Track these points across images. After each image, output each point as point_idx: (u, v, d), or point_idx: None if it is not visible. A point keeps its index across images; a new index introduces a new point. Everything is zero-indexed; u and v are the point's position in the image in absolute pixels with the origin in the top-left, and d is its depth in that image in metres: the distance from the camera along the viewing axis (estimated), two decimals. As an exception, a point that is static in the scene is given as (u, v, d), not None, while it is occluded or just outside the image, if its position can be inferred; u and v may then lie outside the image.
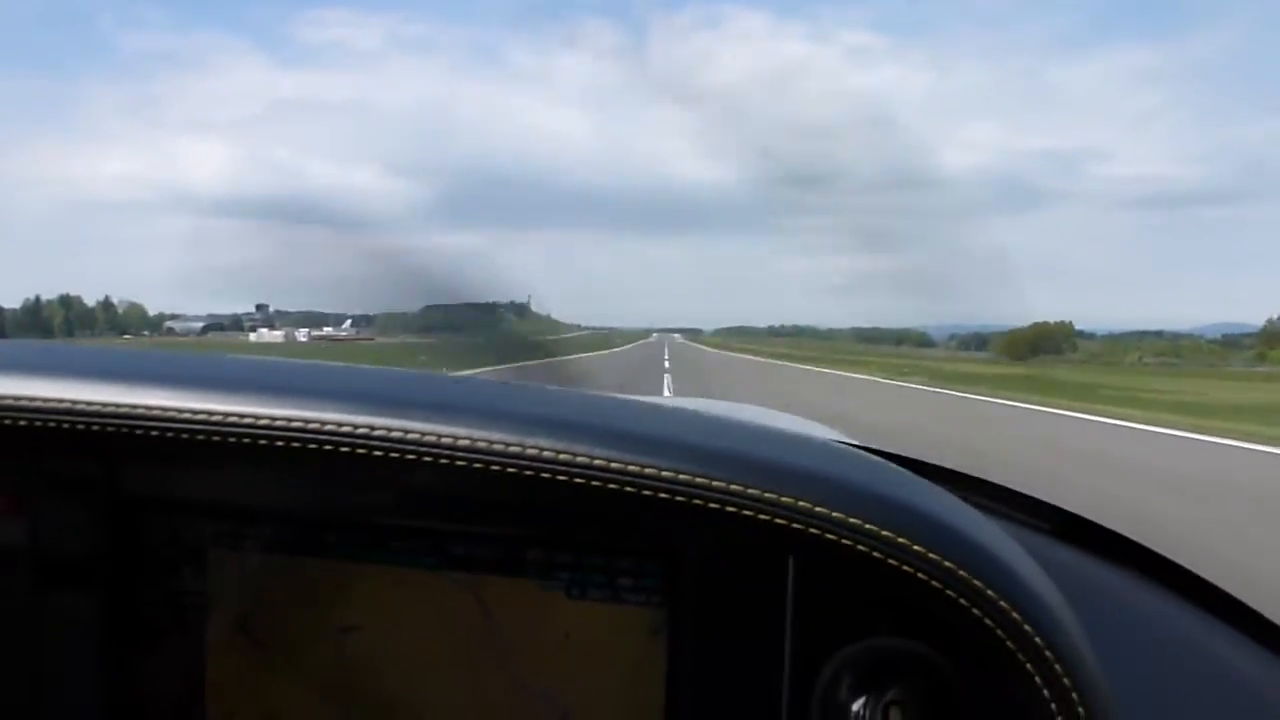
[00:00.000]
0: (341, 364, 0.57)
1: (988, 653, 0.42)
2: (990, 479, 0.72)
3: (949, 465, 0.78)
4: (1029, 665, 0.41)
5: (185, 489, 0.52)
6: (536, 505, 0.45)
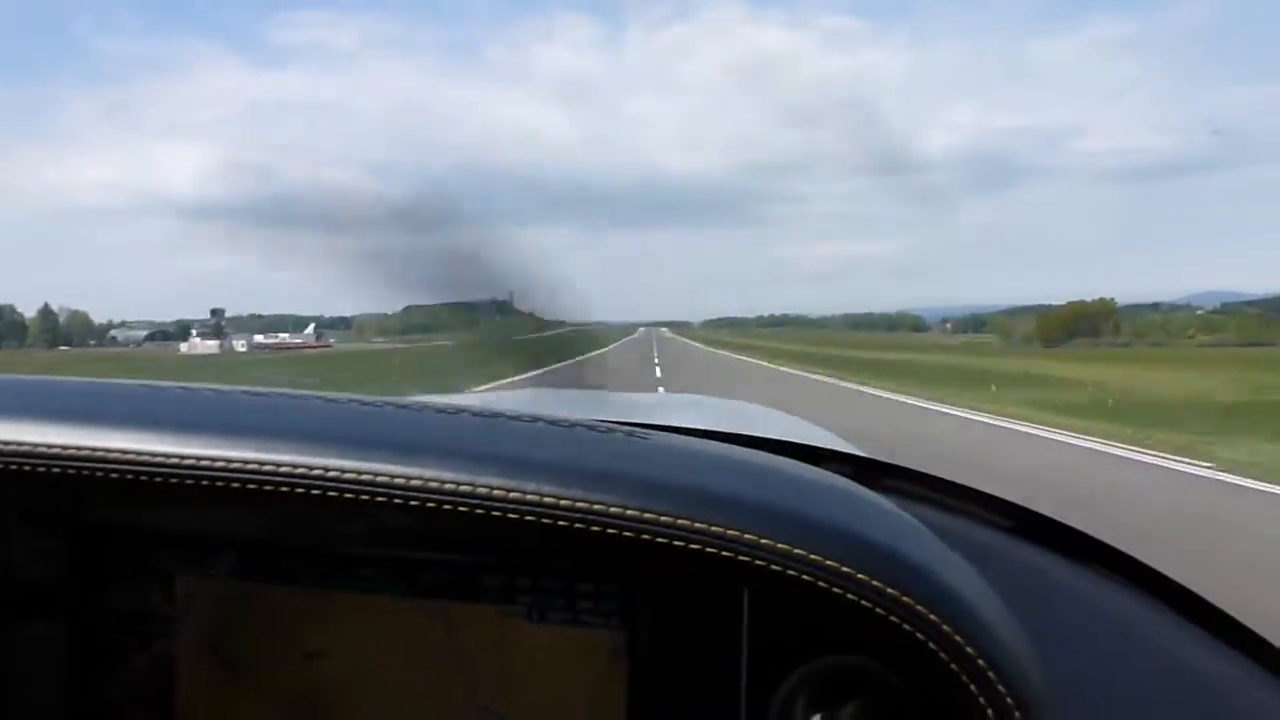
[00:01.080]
0: (301, 395, 0.59)
1: (926, 664, 0.45)
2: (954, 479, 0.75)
3: (911, 465, 0.82)
4: (961, 673, 0.44)
5: (151, 519, 0.54)
6: (494, 537, 0.47)
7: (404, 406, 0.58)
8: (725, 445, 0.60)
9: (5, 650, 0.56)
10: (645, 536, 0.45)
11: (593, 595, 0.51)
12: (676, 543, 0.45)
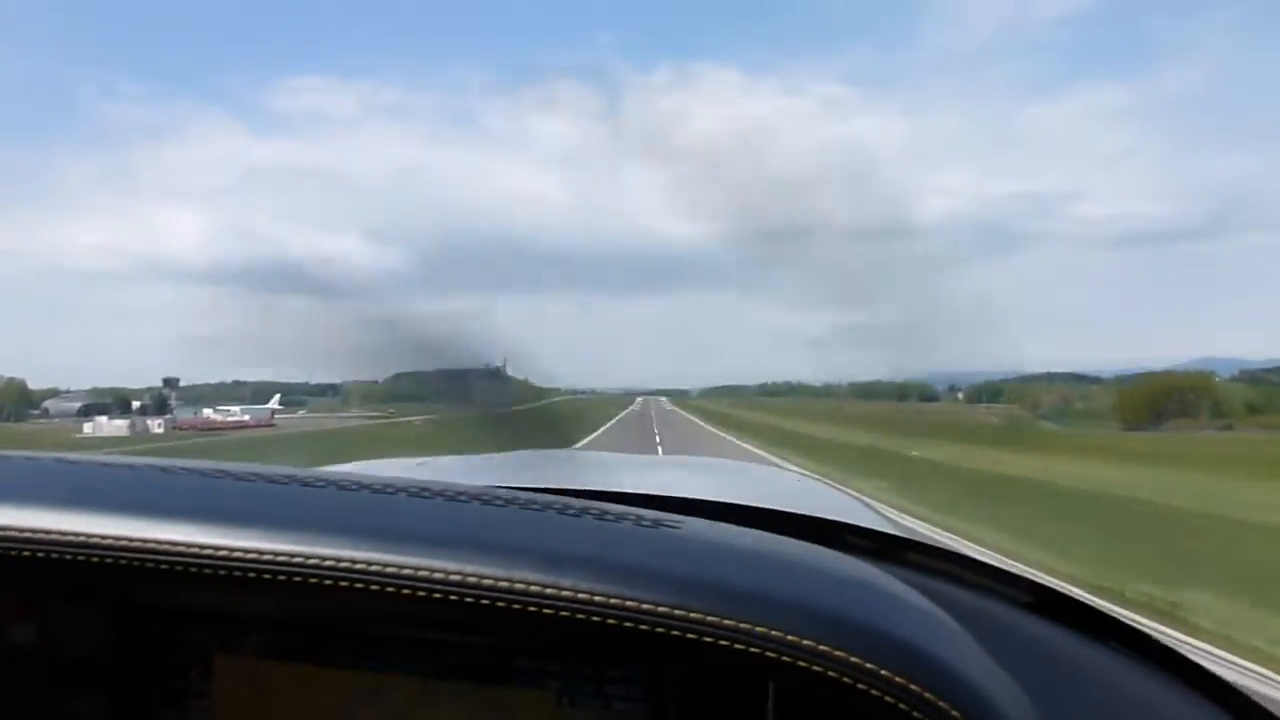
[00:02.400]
0: (342, 484, 0.63)
1: None
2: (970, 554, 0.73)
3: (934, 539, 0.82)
4: None
5: (192, 600, 0.57)
6: (528, 626, 0.50)
7: (443, 495, 0.61)
8: (752, 533, 0.62)
9: None
10: (675, 632, 0.48)
11: (622, 681, 0.53)
12: (705, 638, 0.48)
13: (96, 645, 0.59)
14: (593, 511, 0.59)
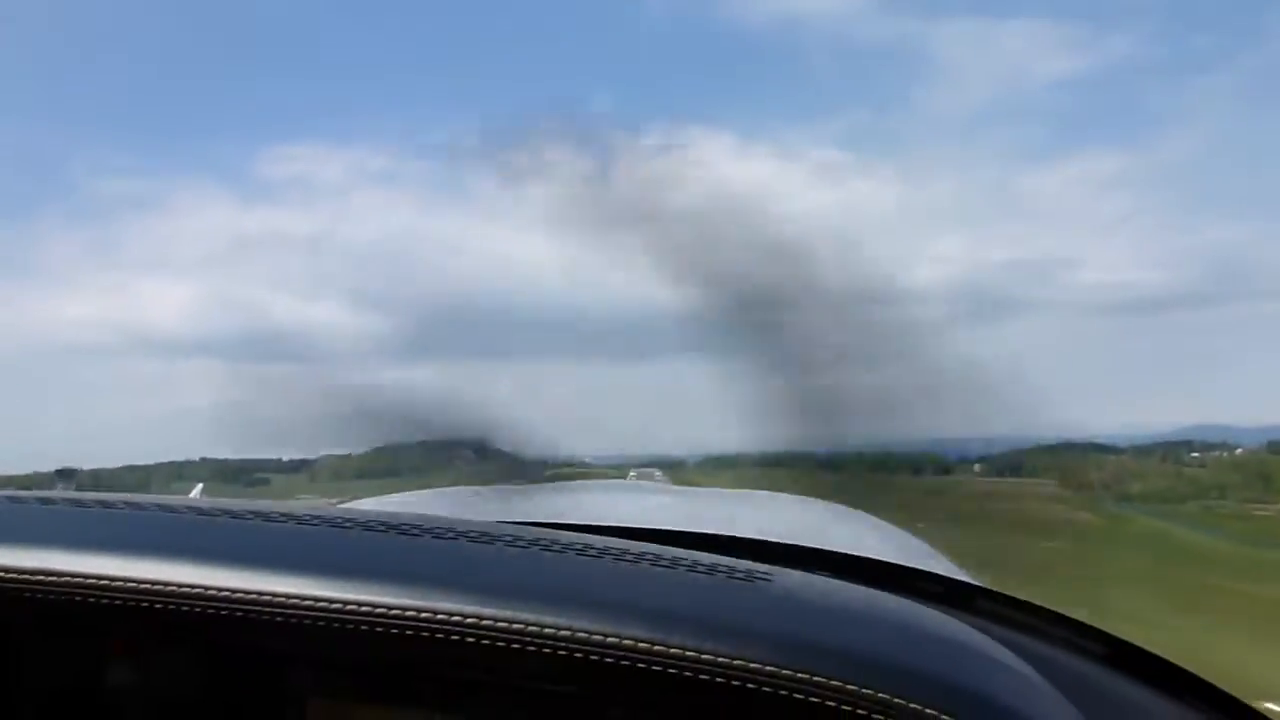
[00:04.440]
0: (438, 533, 0.66)
1: None
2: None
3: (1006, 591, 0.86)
4: None
5: (284, 643, 0.60)
6: (633, 682, 0.52)
7: (537, 544, 0.64)
8: (843, 587, 0.65)
9: None
10: (781, 692, 0.50)
11: None
12: (810, 698, 0.50)
13: (187, 682, 0.63)
14: (684, 563, 0.63)
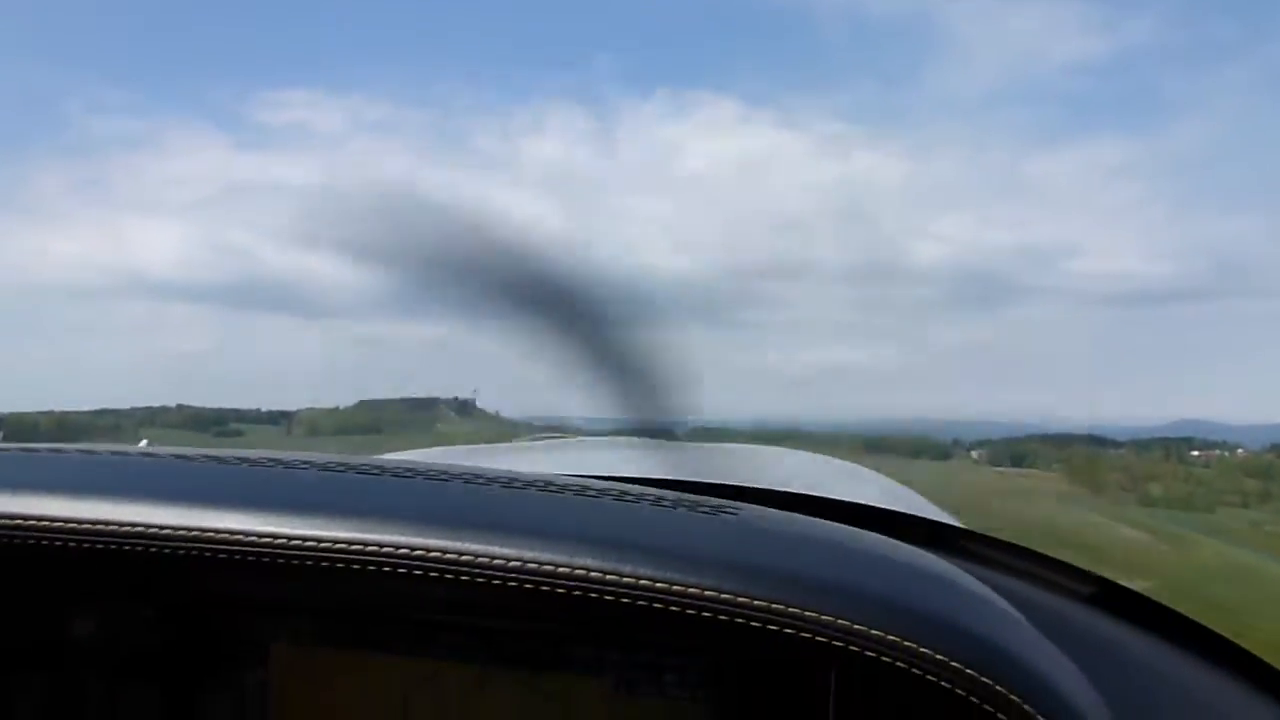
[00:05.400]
0: (404, 472, 0.67)
1: None
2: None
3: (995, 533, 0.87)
4: None
5: (248, 589, 0.60)
6: (586, 612, 0.53)
7: (499, 482, 0.65)
8: (814, 521, 0.66)
9: (109, 716, 0.64)
10: (738, 620, 0.51)
11: (680, 669, 0.56)
12: (769, 625, 0.51)
13: (153, 636, 0.63)
14: (649, 498, 0.63)
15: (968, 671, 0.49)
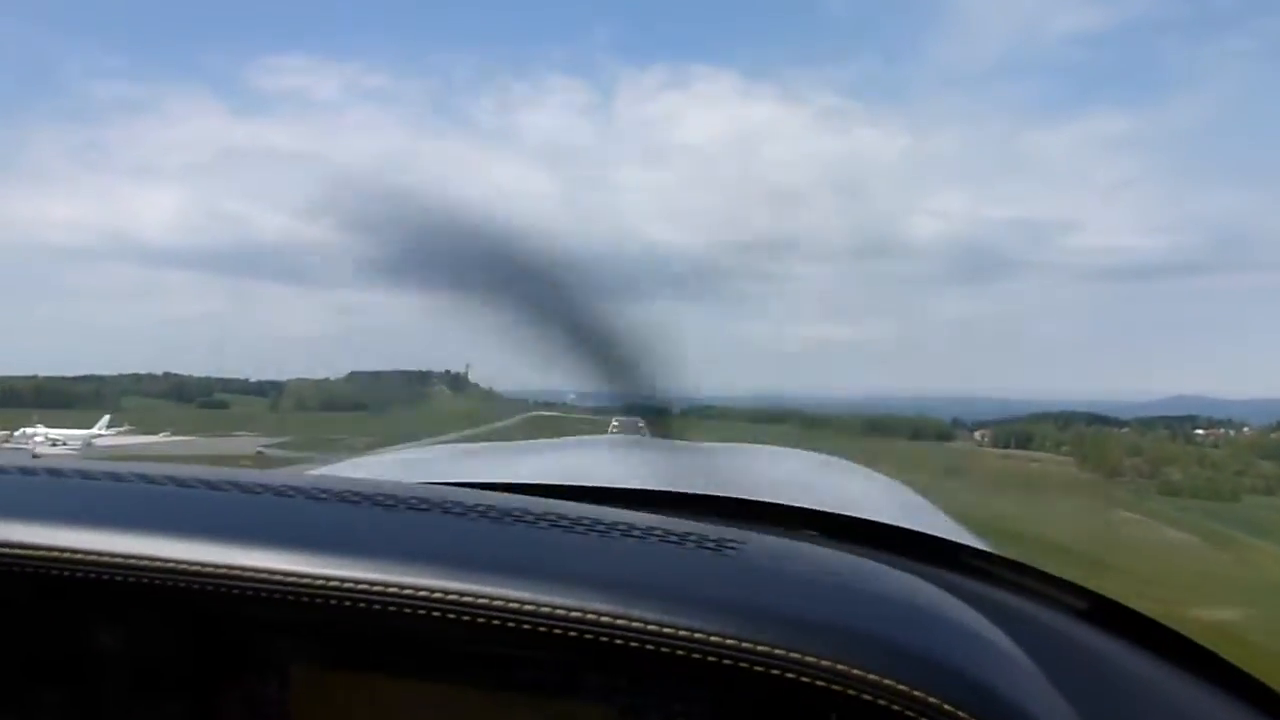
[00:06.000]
0: (428, 508, 0.70)
1: None
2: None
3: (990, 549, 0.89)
4: None
5: (270, 611, 0.62)
6: (595, 653, 0.56)
7: (510, 516, 0.68)
8: (816, 552, 0.69)
9: None
10: (741, 664, 0.53)
11: (685, 701, 0.59)
12: (770, 670, 0.53)
13: (173, 649, 0.66)
14: (657, 533, 0.66)
15: (959, 714, 0.51)
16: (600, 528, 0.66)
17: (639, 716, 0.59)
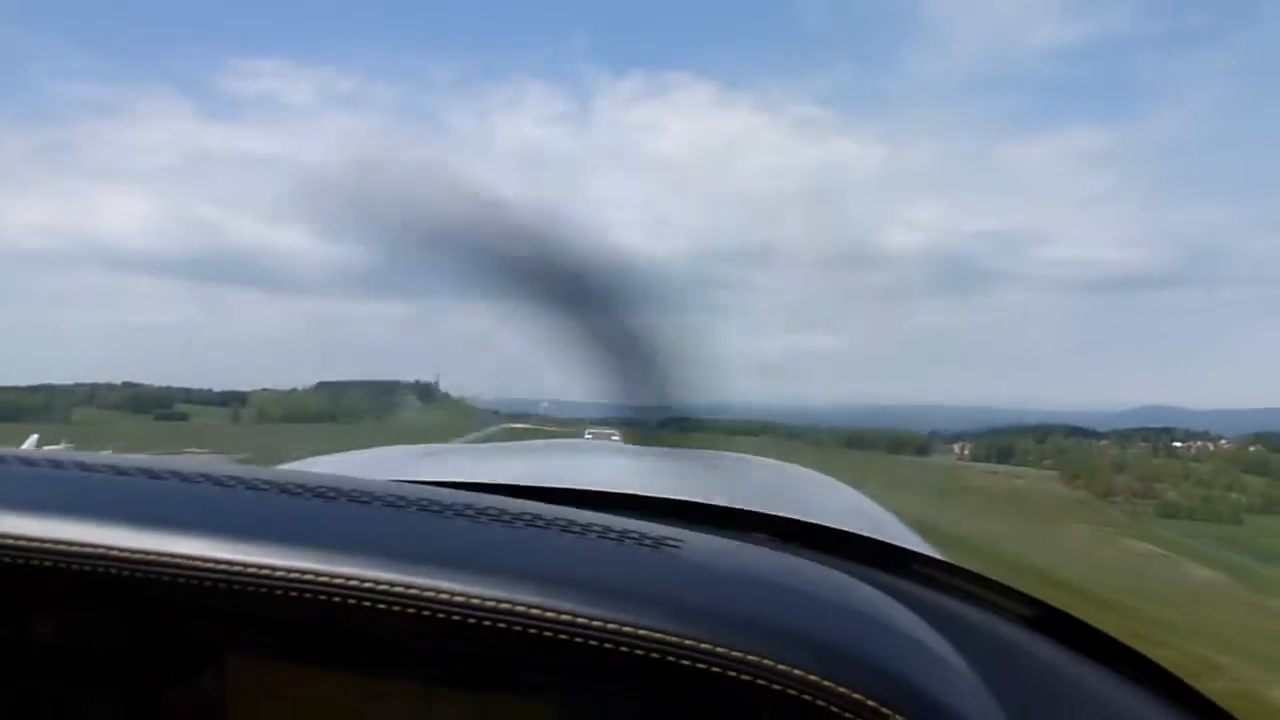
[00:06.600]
0: (360, 496, 0.71)
1: None
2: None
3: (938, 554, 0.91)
4: None
5: (208, 600, 0.62)
6: (527, 646, 0.56)
7: (453, 510, 0.69)
8: (758, 552, 0.70)
9: None
10: (670, 658, 0.54)
11: (620, 698, 0.60)
12: (700, 664, 0.53)
13: (109, 640, 0.66)
14: (596, 529, 0.67)
15: (883, 710, 0.52)
16: (540, 523, 0.67)
17: (572, 711, 0.60)
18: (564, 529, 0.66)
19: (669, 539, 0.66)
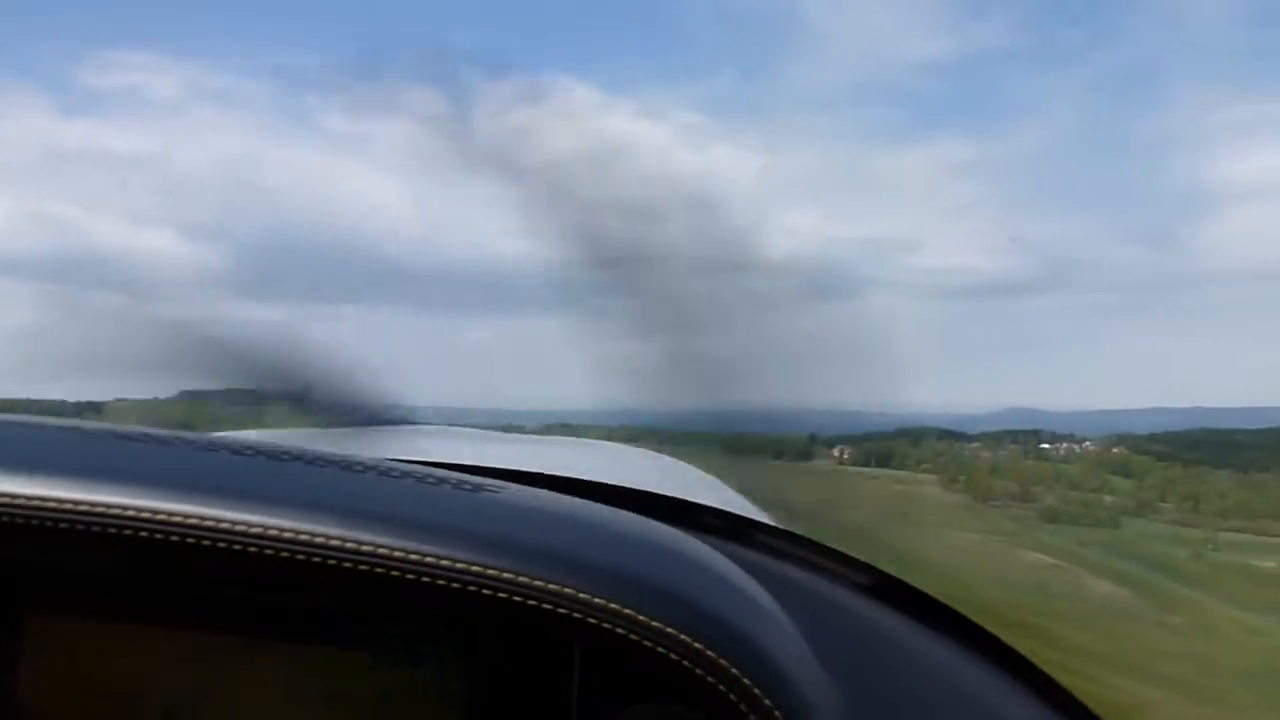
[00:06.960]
0: (168, 439, 0.68)
1: (734, 716, 0.57)
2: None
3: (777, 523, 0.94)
4: None
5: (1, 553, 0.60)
6: (334, 582, 0.57)
7: (266, 455, 0.67)
8: (577, 502, 0.71)
9: None
10: (484, 591, 0.55)
11: (433, 639, 0.61)
12: (513, 596, 0.55)
13: None
14: (416, 474, 0.67)
15: (698, 648, 0.56)
16: (358, 467, 0.67)
17: (390, 656, 0.61)
18: (382, 474, 0.67)
19: (487, 486, 0.67)
